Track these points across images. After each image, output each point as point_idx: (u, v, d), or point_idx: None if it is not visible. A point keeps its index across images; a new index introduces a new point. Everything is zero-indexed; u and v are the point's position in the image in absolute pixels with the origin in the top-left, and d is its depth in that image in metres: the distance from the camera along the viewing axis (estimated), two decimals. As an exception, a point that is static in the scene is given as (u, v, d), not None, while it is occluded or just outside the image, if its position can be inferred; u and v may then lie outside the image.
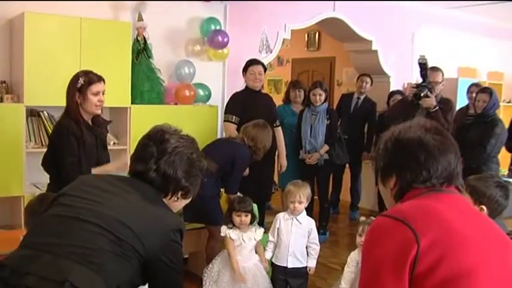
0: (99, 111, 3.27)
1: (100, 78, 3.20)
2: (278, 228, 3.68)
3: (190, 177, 1.90)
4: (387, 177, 1.46)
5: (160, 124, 1.98)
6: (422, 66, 4.71)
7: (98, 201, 1.72)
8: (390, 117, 5.37)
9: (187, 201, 1.98)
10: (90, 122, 3.27)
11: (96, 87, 3.16)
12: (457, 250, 1.26)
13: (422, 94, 4.70)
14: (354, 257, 3.43)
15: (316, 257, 3.71)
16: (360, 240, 3.38)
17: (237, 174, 4.13)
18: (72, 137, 3.11)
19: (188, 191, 1.92)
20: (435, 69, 4.98)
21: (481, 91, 5.13)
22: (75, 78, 3.16)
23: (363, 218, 3.68)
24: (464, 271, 1.25)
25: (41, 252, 1.61)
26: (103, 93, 3.22)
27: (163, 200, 1.88)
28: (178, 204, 1.94)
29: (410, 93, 4.79)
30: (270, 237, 3.71)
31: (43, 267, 1.56)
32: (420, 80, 4.84)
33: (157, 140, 1.88)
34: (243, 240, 3.59)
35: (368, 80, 6.37)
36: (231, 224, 3.62)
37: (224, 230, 3.62)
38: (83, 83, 3.13)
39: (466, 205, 1.46)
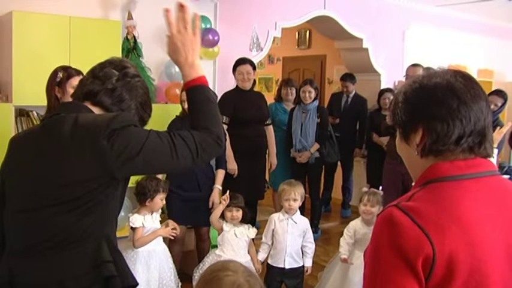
0: None
1: (79, 73, 3.21)
2: (273, 230, 3.67)
3: (143, 109, 1.75)
4: (412, 131, 1.24)
5: None
6: None
7: (35, 176, 1.56)
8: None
9: None
10: None
11: (75, 81, 3.15)
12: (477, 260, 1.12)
13: None
14: (353, 226, 3.52)
15: (312, 256, 3.72)
16: (364, 208, 3.48)
17: None
18: None
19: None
20: (415, 65, 4.91)
21: (496, 93, 4.91)
22: (54, 73, 3.20)
23: (365, 189, 3.70)
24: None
25: (24, 259, 1.55)
26: None
27: None
28: None
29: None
30: (264, 239, 3.71)
31: (36, 273, 1.52)
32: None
33: (118, 64, 1.71)
34: (235, 235, 3.59)
35: (348, 83, 6.42)
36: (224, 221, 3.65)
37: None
38: (62, 77, 3.16)
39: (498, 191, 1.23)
